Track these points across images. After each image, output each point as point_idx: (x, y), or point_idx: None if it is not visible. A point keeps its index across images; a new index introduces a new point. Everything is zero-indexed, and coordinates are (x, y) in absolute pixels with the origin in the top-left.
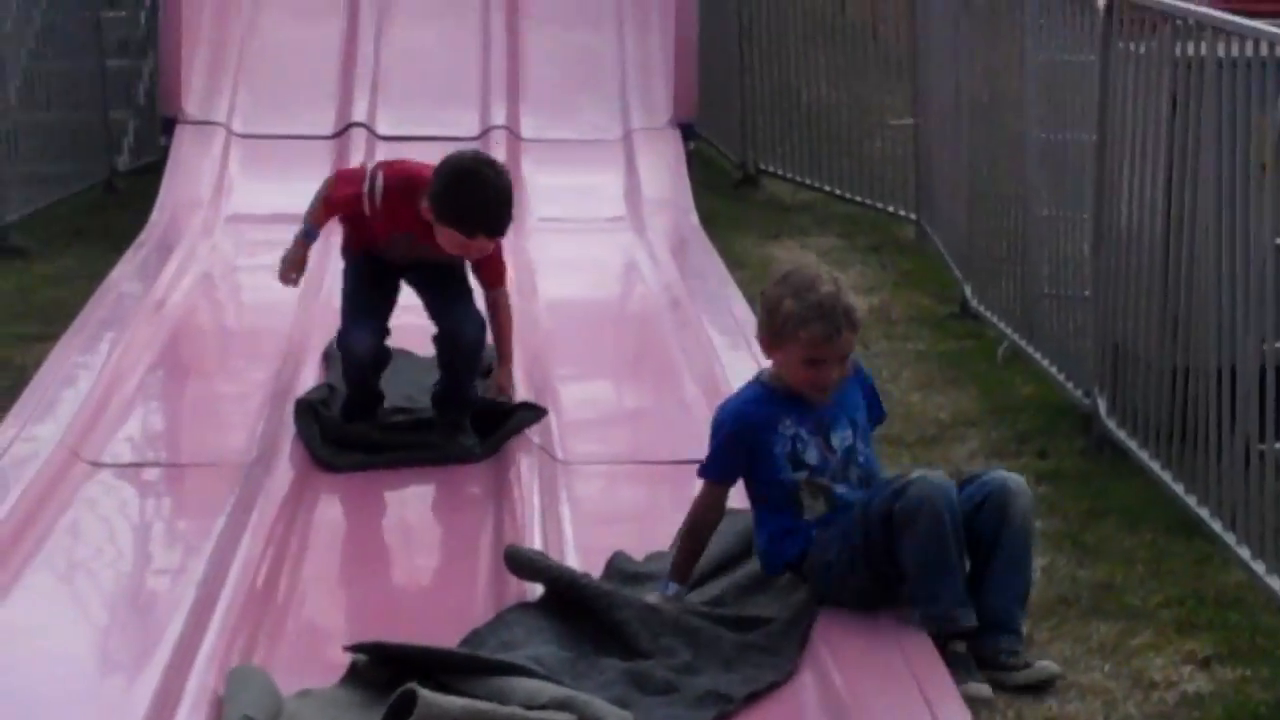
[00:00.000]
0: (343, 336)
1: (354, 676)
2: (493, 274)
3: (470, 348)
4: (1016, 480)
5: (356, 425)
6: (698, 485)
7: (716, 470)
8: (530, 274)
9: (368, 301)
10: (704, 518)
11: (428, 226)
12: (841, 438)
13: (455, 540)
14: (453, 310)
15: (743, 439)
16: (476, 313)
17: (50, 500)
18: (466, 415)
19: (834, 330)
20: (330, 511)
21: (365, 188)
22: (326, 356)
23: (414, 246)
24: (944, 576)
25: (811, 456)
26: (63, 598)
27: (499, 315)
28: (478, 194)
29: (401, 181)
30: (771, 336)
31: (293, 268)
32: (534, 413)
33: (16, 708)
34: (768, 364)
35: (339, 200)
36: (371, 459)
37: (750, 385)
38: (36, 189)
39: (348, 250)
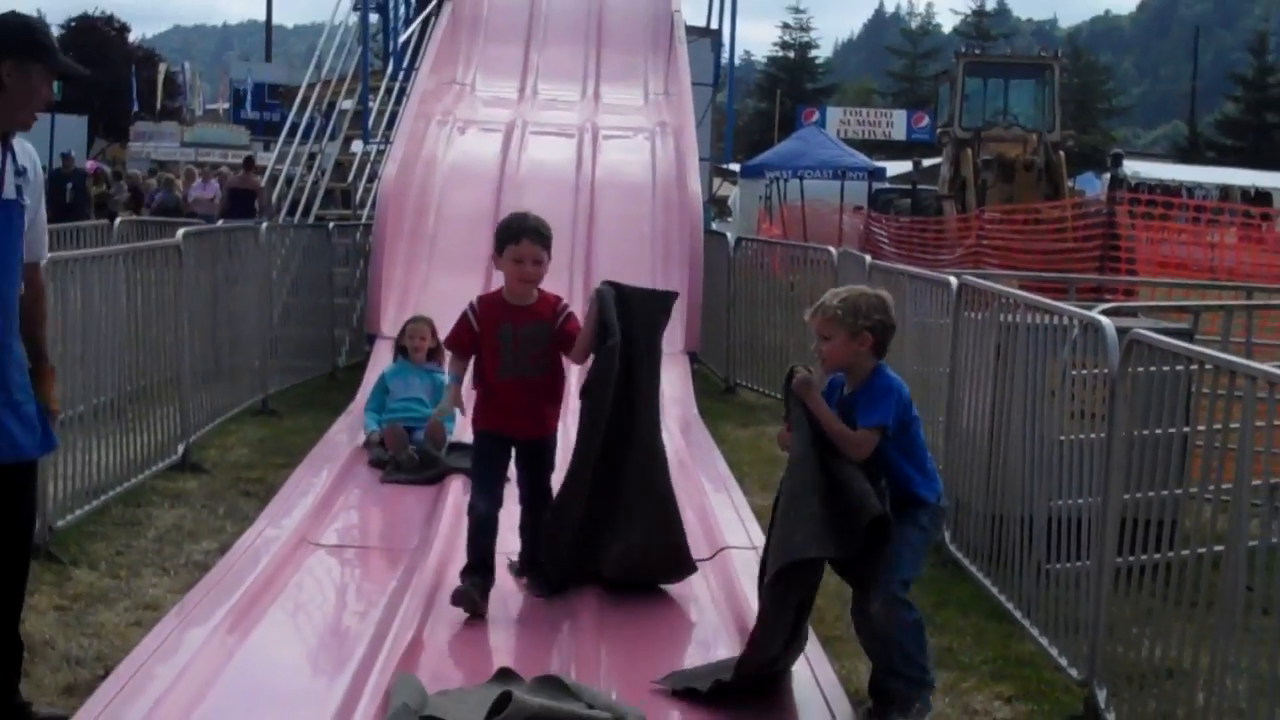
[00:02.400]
0: (472, 498)
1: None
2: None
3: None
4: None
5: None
6: (697, 582)
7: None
8: None
9: (489, 472)
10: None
11: (514, 310)
12: None
13: (539, 618)
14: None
15: None
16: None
17: (286, 566)
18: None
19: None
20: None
21: (467, 311)
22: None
23: (513, 332)
24: None
25: None
26: (290, 628)
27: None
28: (516, 214)
29: (486, 294)
30: None
31: (454, 404)
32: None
33: (263, 699)
34: (743, 502)
35: (456, 334)
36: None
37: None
38: (288, 375)
39: (474, 424)
